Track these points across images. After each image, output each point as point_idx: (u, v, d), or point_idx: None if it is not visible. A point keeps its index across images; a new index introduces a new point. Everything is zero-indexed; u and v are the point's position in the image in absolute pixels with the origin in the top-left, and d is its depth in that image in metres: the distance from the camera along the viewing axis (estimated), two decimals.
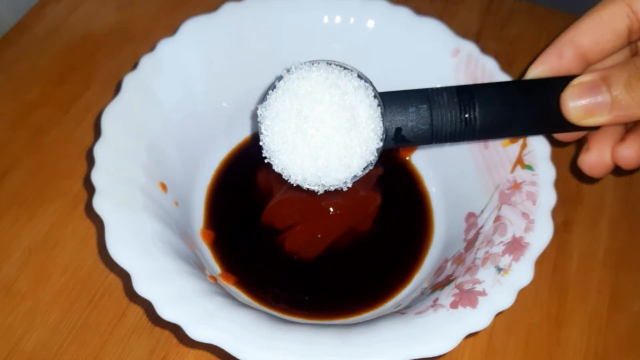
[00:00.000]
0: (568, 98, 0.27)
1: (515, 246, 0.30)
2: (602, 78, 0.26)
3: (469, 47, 0.37)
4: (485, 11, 0.52)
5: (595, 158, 0.30)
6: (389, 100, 0.28)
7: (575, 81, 0.27)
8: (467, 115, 0.28)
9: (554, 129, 0.30)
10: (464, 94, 0.28)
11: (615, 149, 0.29)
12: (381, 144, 0.28)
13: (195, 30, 0.38)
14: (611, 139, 0.29)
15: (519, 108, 0.28)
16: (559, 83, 0.28)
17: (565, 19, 0.51)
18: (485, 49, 0.37)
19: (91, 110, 0.44)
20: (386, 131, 0.28)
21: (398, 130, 0.28)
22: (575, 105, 0.27)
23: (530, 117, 0.29)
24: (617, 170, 0.30)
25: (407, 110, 0.28)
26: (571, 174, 0.43)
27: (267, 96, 0.28)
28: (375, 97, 0.28)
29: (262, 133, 0.28)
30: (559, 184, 0.32)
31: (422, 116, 0.28)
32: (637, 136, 0.29)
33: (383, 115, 0.28)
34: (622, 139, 0.29)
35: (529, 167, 0.33)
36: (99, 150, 0.32)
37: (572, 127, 0.28)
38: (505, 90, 0.29)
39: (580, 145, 0.31)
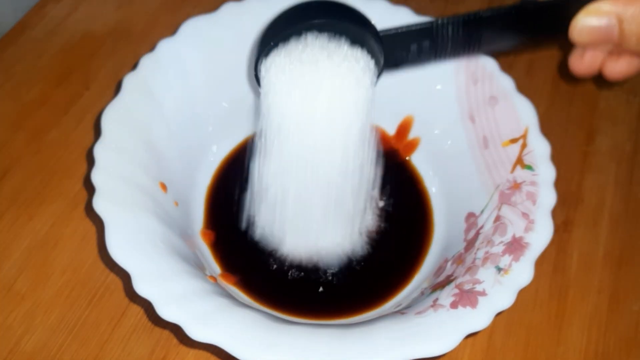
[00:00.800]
0: (577, 35, 0.28)
1: (515, 246, 0.30)
2: (617, 18, 0.27)
3: None
4: None
5: (587, 63, 0.30)
6: (390, 41, 0.28)
7: (587, 19, 0.28)
8: (470, 47, 0.29)
9: (551, 40, 0.31)
10: (471, 27, 0.28)
11: (607, 61, 0.30)
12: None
13: (195, 30, 0.38)
14: (606, 49, 0.30)
15: (525, 34, 0.29)
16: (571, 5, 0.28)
17: None
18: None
19: (91, 111, 0.44)
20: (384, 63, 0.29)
21: (397, 61, 0.29)
22: (581, 29, 0.28)
23: (537, 39, 0.30)
24: (599, 78, 0.31)
25: (409, 49, 0.29)
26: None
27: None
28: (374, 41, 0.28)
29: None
30: (559, 184, 0.32)
31: (424, 52, 0.29)
32: (630, 58, 0.30)
33: (383, 54, 0.28)
34: (617, 54, 0.30)
35: (529, 167, 0.33)
36: (99, 150, 0.32)
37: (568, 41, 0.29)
38: (515, 19, 0.29)
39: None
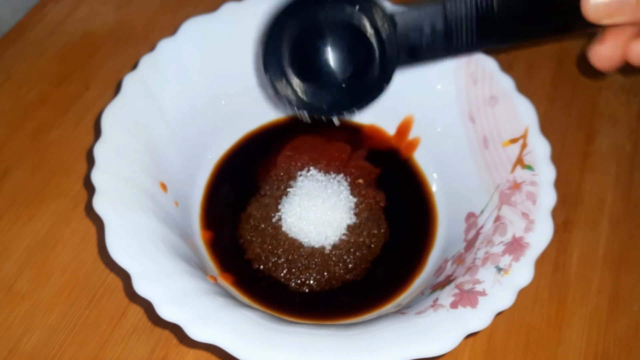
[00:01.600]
0: (592, 13, 0.26)
1: (515, 246, 0.30)
2: None
3: None
4: None
5: (608, 51, 0.28)
6: (402, 21, 0.28)
7: None
8: (486, 27, 0.28)
9: (571, 28, 0.29)
10: (485, 8, 0.27)
11: (629, 44, 0.28)
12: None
13: (195, 30, 0.38)
14: (628, 33, 0.28)
15: (539, 13, 0.28)
16: None
17: None
18: (485, 49, 0.37)
19: (91, 110, 0.44)
20: (398, 52, 0.28)
21: (412, 49, 0.28)
22: (596, 3, 0.26)
23: (549, 19, 0.28)
24: (625, 69, 0.29)
25: (422, 31, 0.28)
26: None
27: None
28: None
29: None
30: (559, 184, 0.32)
31: (437, 39, 0.28)
32: None
33: (394, 35, 0.28)
34: (638, 34, 0.28)
35: (529, 167, 0.33)
36: (99, 150, 0.32)
37: (589, 25, 0.27)
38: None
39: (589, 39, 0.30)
